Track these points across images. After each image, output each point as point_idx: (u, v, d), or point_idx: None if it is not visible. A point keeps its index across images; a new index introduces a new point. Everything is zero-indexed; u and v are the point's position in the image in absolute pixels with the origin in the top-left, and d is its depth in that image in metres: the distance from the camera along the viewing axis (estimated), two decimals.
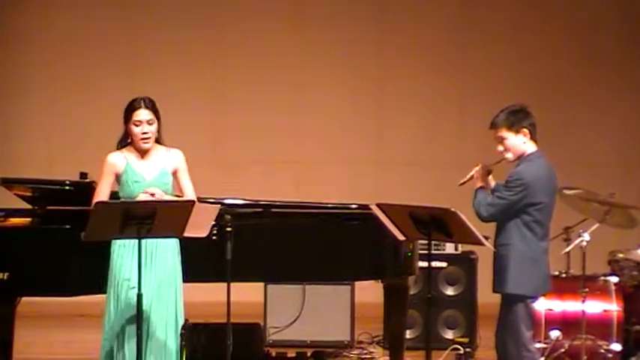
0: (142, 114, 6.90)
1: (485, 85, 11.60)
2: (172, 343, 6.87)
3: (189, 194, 7.05)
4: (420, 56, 11.80)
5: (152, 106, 6.95)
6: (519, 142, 6.95)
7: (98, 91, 11.54)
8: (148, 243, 6.79)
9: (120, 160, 6.93)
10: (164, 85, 11.01)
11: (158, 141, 7.03)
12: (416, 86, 11.79)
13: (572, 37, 11.73)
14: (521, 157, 6.95)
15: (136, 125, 6.90)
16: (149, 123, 6.92)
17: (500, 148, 6.97)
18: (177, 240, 6.96)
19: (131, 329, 6.76)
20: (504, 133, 6.95)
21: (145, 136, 6.92)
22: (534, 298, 7.04)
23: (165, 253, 6.91)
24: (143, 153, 6.97)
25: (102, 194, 6.86)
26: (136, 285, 6.64)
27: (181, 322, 6.93)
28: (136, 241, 6.69)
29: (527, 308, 7.00)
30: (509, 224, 6.90)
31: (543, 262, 7.03)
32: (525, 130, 6.94)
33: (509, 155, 6.95)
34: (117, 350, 6.79)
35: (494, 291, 7.03)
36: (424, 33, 11.78)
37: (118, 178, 6.92)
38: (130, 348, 6.76)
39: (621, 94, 11.74)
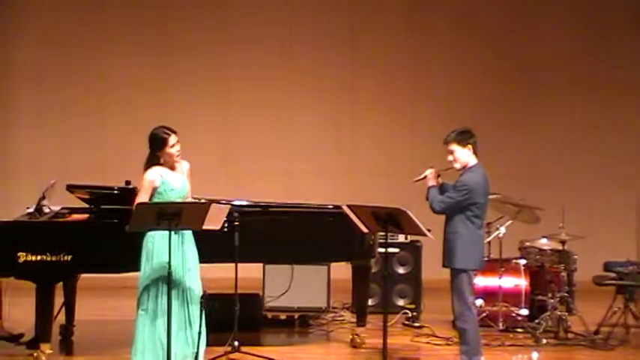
0: (174, 139, 6.94)
1: (432, 110, 11.59)
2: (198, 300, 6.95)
3: (190, 196, 7.11)
4: (382, 86, 11.76)
5: (174, 131, 6.99)
6: (465, 155, 7.02)
7: (136, 120, 11.49)
8: (178, 235, 6.86)
9: (156, 176, 6.91)
10: (185, 116, 10.99)
11: None
12: (379, 111, 11.75)
13: (507, 68, 11.76)
14: (465, 167, 7.03)
15: (172, 147, 6.93)
16: (177, 142, 6.97)
17: (450, 158, 7.06)
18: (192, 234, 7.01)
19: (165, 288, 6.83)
20: (454, 146, 7.03)
21: (179, 153, 6.97)
22: (475, 271, 7.11)
23: (189, 242, 6.95)
24: (171, 167, 6.99)
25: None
26: (170, 264, 6.72)
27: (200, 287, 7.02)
28: (168, 234, 6.77)
29: (470, 278, 7.05)
30: (456, 217, 6.97)
31: (481, 245, 7.16)
32: (470, 146, 7.03)
33: (457, 165, 7.04)
34: (156, 301, 6.83)
35: (444, 266, 7.07)
36: (386, 65, 11.74)
37: (154, 190, 6.92)
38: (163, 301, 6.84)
39: (530, 122, 11.79)
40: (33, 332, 7.49)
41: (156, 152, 6.93)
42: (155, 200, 6.89)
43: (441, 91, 11.71)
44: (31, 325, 7.46)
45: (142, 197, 6.88)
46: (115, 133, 11.54)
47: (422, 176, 7.14)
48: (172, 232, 6.76)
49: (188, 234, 6.95)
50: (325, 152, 11.73)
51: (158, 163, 6.93)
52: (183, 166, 7.05)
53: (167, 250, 6.76)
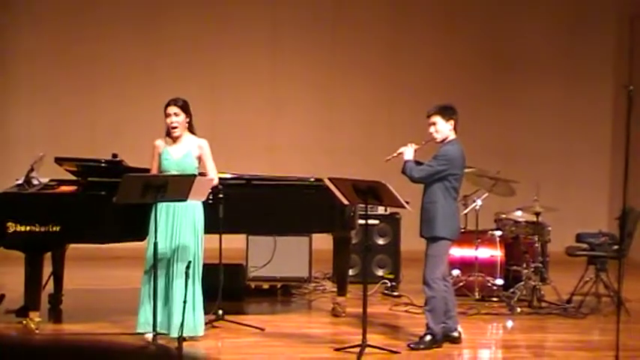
0: (170, 109, 7.08)
1: (408, 95, 11.61)
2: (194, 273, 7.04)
3: (211, 174, 7.14)
4: (361, 73, 11.78)
5: (180, 104, 7.10)
6: (447, 128, 7.03)
7: (127, 98, 11.48)
8: (171, 209, 6.94)
9: (160, 144, 7.12)
10: (174, 94, 10.94)
11: (192, 131, 7.11)
12: (358, 95, 11.77)
13: (484, 47, 11.75)
14: (444, 140, 7.02)
15: (167, 117, 7.06)
16: (176, 115, 7.04)
17: (432, 129, 7.04)
18: (202, 208, 7.04)
19: (163, 262, 6.93)
20: (438, 118, 7.03)
21: (173, 125, 7.07)
22: (452, 240, 7.12)
23: (185, 215, 7.01)
24: (176, 139, 7.07)
25: (153, 170, 7.08)
26: (156, 235, 6.74)
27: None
28: (164, 210, 6.87)
29: (447, 247, 7.08)
30: (435, 187, 6.98)
31: (458, 216, 7.19)
32: (452, 121, 7.03)
33: (438, 136, 7.03)
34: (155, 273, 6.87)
35: (422, 236, 7.06)
36: (365, 54, 11.74)
37: (159, 156, 7.04)
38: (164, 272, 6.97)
39: (504, 103, 11.81)
40: (22, 301, 7.46)
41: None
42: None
43: (419, 70, 11.73)
44: (21, 294, 7.43)
45: (152, 163, 7.09)
46: (106, 109, 11.55)
47: (395, 154, 7.09)
48: (164, 204, 6.83)
49: (184, 205, 6.93)
50: (308, 128, 11.73)
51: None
52: (196, 142, 7.13)
53: (155, 222, 6.82)
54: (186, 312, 6.86)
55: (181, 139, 7.09)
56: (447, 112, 7.05)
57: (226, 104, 11.61)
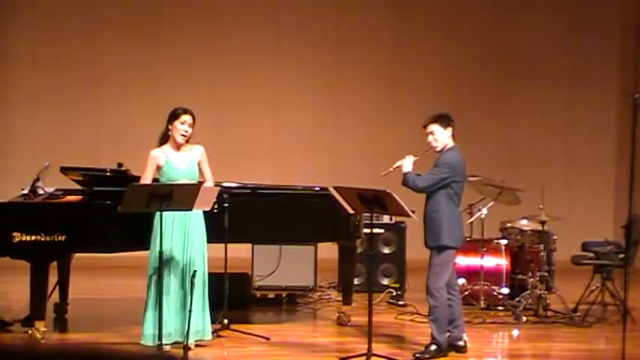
0: (187, 118, 7.10)
1: (411, 99, 11.58)
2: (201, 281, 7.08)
3: (209, 179, 7.16)
4: (364, 77, 11.76)
5: (193, 116, 7.17)
6: (445, 136, 7.05)
7: (129, 104, 11.48)
8: (184, 217, 6.95)
9: (160, 154, 7.06)
10: (178, 101, 10.95)
11: (188, 141, 7.16)
12: (361, 99, 11.74)
13: (488, 53, 11.74)
14: (444, 148, 7.03)
15: (182, 124, 7.08)
16: (189, 125, 7.09)
17: (430, 139, 7.05)
18: (203, 218, 7.07)
19: (178, 271, 6.95)
20: (436, 127, 7.04)
21: (185, 133, 7.10)
22: (456, 248, 7.11)
23: (195, 223, 7.04)
24: (177, 147, 7.06)
25: (147, 180, 7.00)
26: (162, 244, 6.72)
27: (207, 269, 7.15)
28: (173, 218, 6.87)
29: (451, 256, 7.07)
30: (438, 196, 6.98)
31: (461, 224, 7.21)
32: (450, 129, 7.04)
33: (438, 144, 7.04)
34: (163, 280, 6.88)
35: (427, 245, 7.05)
36: (368, 59, 11.69)
37: (158, 168, 7.03)
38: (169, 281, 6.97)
39: (507, 109, 11.79)
40: (28, 310, 7.46)
41: (168, 124, 7.10)
42: (160, 177, 7.02)
43: (424, 76, 11.70)
44: (26, 304, 7.43)
45: (146, 173, 7.02)
46: (109, 117, 11.51)
47: (392, 168, 7.05)
48: (176, 213, 6.83)
49: (195, 215, 6.95)
50: (311, 133, 11.70)
51: (168, 139, 7.05)
52: (196, 149, 7.17)
53: (166, 230, 6.85)
54: (198, 317, 6.92)
55: (182, 146, 7.11)
56: (444, 120, 7.07)
57: (229, 109, 11.59)
